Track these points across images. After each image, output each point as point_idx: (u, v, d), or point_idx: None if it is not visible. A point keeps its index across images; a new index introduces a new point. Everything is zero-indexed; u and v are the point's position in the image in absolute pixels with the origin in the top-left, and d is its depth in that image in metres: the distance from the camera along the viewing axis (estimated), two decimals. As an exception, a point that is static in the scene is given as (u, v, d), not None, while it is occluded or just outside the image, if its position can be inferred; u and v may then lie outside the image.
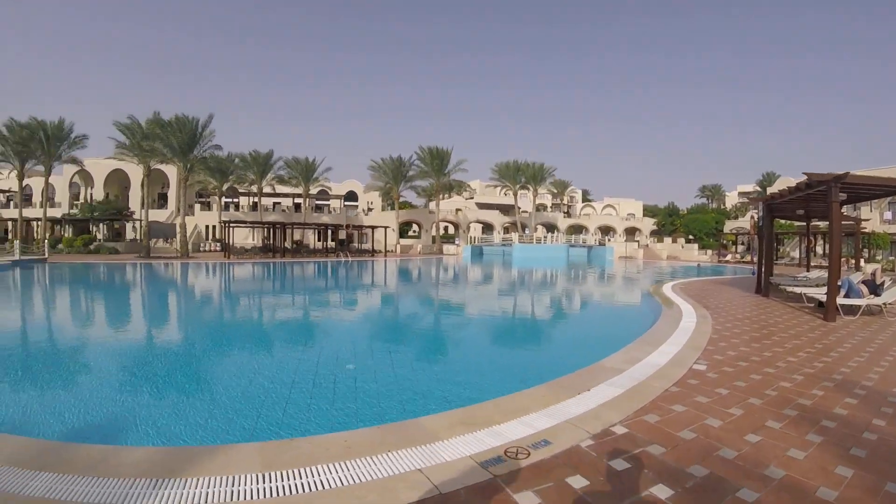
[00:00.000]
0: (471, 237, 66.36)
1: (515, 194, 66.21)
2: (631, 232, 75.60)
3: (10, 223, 46.27)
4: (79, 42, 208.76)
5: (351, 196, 78.85)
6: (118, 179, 58.97)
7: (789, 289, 14.86)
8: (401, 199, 78.23)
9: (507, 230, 66.79)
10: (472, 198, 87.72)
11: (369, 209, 75.65)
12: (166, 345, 11.10)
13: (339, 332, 12.56)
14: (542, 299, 20.53)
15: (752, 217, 19.15)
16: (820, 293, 13.10)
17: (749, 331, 9.65)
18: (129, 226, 55.67)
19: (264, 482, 3.47)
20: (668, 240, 63.34)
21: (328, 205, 78.11)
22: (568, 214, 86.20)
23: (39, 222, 49.88)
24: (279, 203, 70.18)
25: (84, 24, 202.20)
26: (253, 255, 44.34)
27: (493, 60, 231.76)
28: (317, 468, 3.69)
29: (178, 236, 44.80)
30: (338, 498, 3.30)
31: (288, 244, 52.14)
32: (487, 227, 70.11)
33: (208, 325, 13.83)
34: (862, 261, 39.48)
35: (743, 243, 60.95)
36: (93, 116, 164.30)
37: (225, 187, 56.26)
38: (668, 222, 70.44)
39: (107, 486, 3.37)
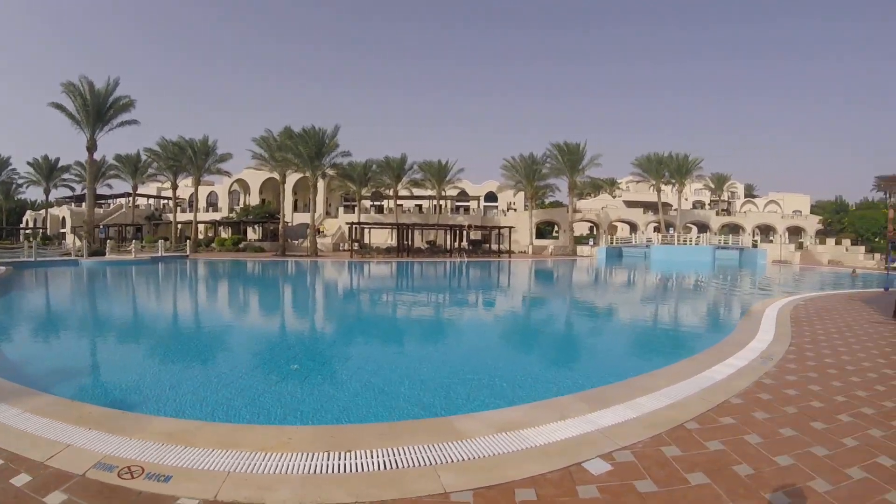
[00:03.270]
0: (614, 238, 62.78)
1: (658, 190, 61.61)
2: (795, 231, 67.09)
3: (179, 226, 53.93)
4: (212, 53, 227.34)
5: (492, 197, 78.65)
6: (272, 186, 64.50)
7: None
8: (551, 199, 77.24)
9: (656, 230, 62.15)
10: (619, 196, 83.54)
11: (511, 209, 74.94)
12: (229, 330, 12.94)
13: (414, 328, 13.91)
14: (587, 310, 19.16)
15: (892, 209, 14.49)
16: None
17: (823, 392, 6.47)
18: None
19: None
20: (831, 241, 55.06)
21: (468, 205, 78.54)
22: (727, 212, 78.57)
23: (201, 225, 59.10)
24: (420, 205, 71.76)
25: (207, 33, 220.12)
26: (377, 254, 46.22)
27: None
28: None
29: (309, 236, 47.78)
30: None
31: (422, 244, 53.38)
32: (634, 227, 66.09)
33: (276, 315, 16.28)
34: None
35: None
36: (240, 127, 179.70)
37: (365, 191, 59.95)
38: (835, 220, 61.44)
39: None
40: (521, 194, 66.17)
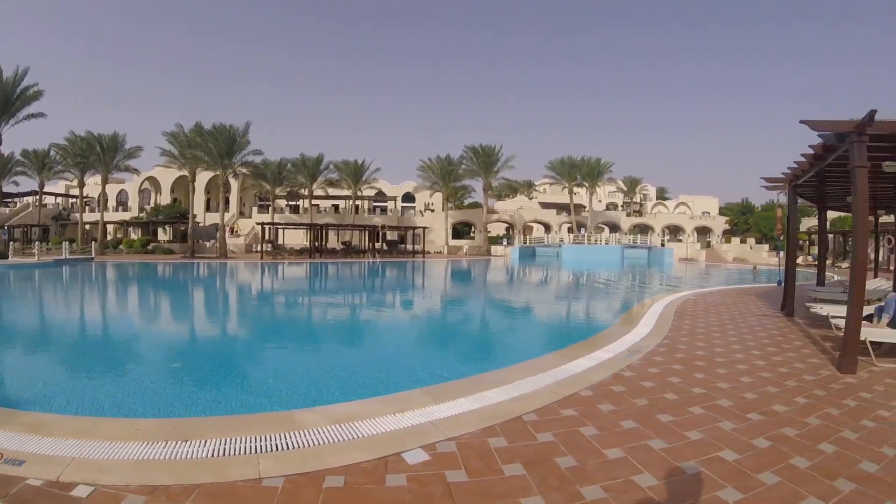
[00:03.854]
0: (528, 238, 62.76)
1: (571, 192, 62.21)
2: (703, 231, 69.43)
3: (87, 226, 50.23)
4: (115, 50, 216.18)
5: (410, 197, 77.39)
6: (185, 185, 61.02)
7: (812, 309, 10.73)
8: (471, 200, 77.02)
9: (570, 230, 62.77)
10: (535, 197, 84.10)
11: (429, 209, 73.92)
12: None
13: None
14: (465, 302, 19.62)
15: (779, 208, 14.37)
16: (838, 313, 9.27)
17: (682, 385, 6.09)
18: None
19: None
20: (736, 240, 57.30)
21: (385, 206, 76.64)
22: (639, 213, 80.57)
23: (110, 225, 56.29)
24: (337, 205, 69.40)
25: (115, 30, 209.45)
26: (288, 255, 44.41)
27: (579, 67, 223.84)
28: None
29: (219, 238, 45.71)
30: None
31: (338, 245, 52.30)
32: (548, 228, 66.41)
33: (161, 317, 15.86)
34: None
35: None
36: (153, 126, 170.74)
37: (279, 191, 57.82)
38: (741, 220, 64.08)
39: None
40: (439, 195, 65.14)
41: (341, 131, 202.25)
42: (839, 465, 3.91)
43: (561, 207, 69.60)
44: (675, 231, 70.36)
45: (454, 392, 5.49)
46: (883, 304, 8.80)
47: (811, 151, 9.12)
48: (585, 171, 60.17)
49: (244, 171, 50.47)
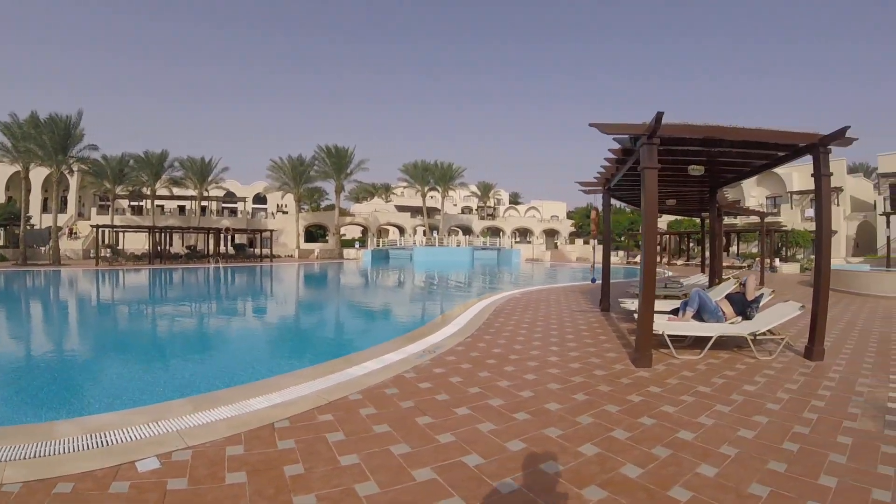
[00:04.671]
0: (380, 241, 62.05)
1: (424, 195, 62.35)
2: (551, 234, 73.05)
3: None
4: None
5: (263, 198, 73.51)
6: (20, 182, 52.83)
7: (623, 304, 10.76)
8: (330, 202, 74.64)
9: (425, 233, 63.15)
10: (391, 200, 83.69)
11: (282, 211, 70.75)
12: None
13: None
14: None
15: (594, 210, 14.64)
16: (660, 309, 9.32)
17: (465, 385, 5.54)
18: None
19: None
20: (581, 241, 60.91)
21: (235, 207, 72.01)
22: (492, 217, 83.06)
23: None
24: (183, 206, 63.96)
25: None
26: (126, 261, 39.70)
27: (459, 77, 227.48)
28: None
29: (52, 242, 39.99)
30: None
31: (182, 250, 47.98)
32: (402, 230, 66.28)
33: None
34: (777, 261, 37.37)
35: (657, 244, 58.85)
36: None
37: (121, 190, 52.20)
38: (586, 223, 68.07)
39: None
40: (290, 196, 62.44)
41: (194, 128, 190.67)
42: (595, 469, 3.56)
43: (416, 211, 69.80)
44: (525, 233, 73.35)
45: (219, 400, 5.14)
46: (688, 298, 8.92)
47: (612, 156, 9.04)
48: (438, 176, 60.68)
49: (81, 167, 44.66)
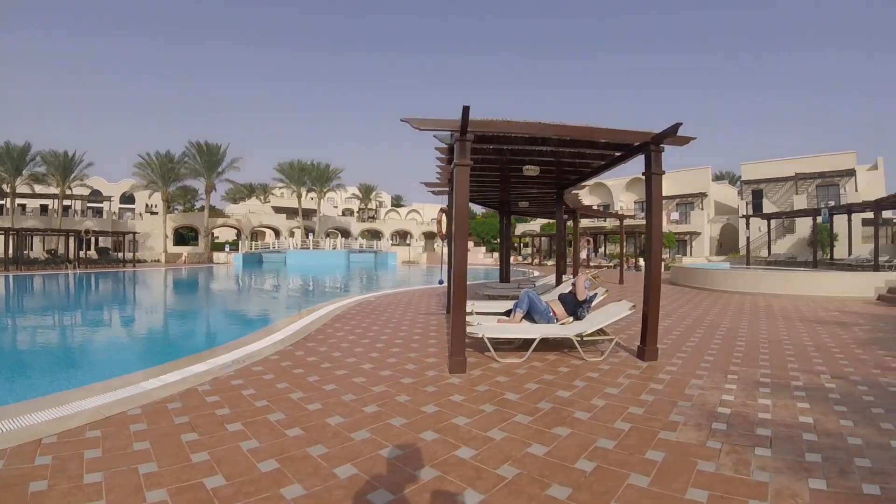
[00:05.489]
0: (253, 244, 59.36)
1: (300, 196, 60.38)
2: (430, 236, 73.48)
3: None
4: None
5: (132, 198, 68.01)
6: None
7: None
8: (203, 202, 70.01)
9: (302, 236, 61.10)
10: (269, 201, 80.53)
11: (152, 212, 65.79)
12: None
13: None
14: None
15: (442, 212, 14.35)
16: (492, 309, 9.19)
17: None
18: None
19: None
20: (456, 243, 62.47)
21: (101, 207, 65.80)
22: (372, 219, 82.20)
23: None
24: (46, 205, 57.45)
25: None
26: None
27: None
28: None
29: None
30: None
31: (43, 254, 43.56)
32: (278, 233, 63.84)
33: None
34: (641, 260, 39.72)
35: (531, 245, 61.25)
36: None
37: None
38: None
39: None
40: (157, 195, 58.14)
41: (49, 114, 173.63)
42: (341, 494, 3.11)
43: (293, 212, 67.61)
44: (404, 236, 73.22)
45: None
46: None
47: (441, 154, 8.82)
48: (315, 176, 59.15)
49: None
